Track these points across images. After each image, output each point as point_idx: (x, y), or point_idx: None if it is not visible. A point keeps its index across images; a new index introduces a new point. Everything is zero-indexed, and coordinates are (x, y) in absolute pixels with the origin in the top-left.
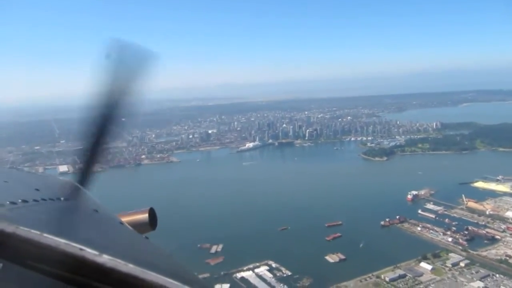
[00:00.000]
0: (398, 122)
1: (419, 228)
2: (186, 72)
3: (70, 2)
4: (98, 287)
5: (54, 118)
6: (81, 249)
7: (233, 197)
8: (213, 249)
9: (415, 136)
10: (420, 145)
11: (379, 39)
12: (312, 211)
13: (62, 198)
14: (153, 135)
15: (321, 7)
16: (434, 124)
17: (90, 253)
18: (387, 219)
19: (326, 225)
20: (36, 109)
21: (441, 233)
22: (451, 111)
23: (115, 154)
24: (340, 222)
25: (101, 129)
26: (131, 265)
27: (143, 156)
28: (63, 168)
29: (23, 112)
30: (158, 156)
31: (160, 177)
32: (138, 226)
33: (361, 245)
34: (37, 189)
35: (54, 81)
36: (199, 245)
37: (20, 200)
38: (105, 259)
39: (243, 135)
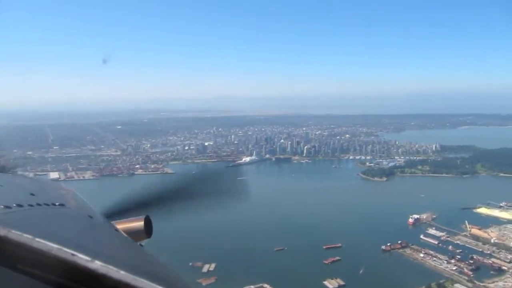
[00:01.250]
0: (397, 143)
1: (421, 255)
2: (184, 83)
3: (67, 7)
4: None
5: (48, 123)
6: (73, 254)
7: (226, 213)
8: (205, 268)
9: (415, 158)
10: (420, 167)
11: (378, 58)
12: (309, 231)
13: (57, 204)
14: (148, 145)
15: (321, 24)
16: (434, 146)
17: (82, 258)
18: (388, 244)
19: (324, 247)
20: (30, 114)
21: (445, 261)
22: (450, 133)
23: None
24: (339, 244)
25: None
26: (123, 272)
27: (137, 166)
28: (54, 175)
29: (16, 116)
30: (153, 166)
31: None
32: (133, 234)
33: (361, 271)
34: (32, 194)
35: (49, 86)
36: (190, 263)
37: (14, 205)
38: (97, 265)
39: (240, 148)
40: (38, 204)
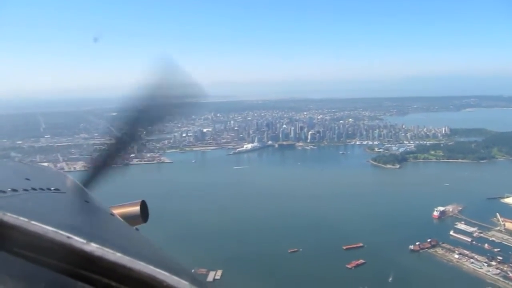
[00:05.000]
0: (404, 126)
1: (456, 256)
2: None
3: None
4: (85, 275)
5: (41, 112)
6: (68, 237)
7: (232, 208)
8: (211, 275)
9: (425, 142)
10: (432, 152)
11: (375, 40)
12: (324, 228)
13: (52, 188)
14: (144, 132)
15: (319, 6)
16: (443, 129)
17: (77, 241)
18: (417, 243)
19: (344, 247)
20: (22, 102)
21: (485, 264)
22: (455, 116)
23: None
24: (360, 244)
25: (132, 127)
26: (119, 254)
27: (132, 155)
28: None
29: (7, 104)
30: (149, 155)
31: (149, 180)
32: (129, 219)
33: (390, 278)
34: (27, 179)
35: (42, 73)
36: (193, 270)
37: (9, 189)
38: (93, 247)
39: (241, 135)
40: (33, 189)
